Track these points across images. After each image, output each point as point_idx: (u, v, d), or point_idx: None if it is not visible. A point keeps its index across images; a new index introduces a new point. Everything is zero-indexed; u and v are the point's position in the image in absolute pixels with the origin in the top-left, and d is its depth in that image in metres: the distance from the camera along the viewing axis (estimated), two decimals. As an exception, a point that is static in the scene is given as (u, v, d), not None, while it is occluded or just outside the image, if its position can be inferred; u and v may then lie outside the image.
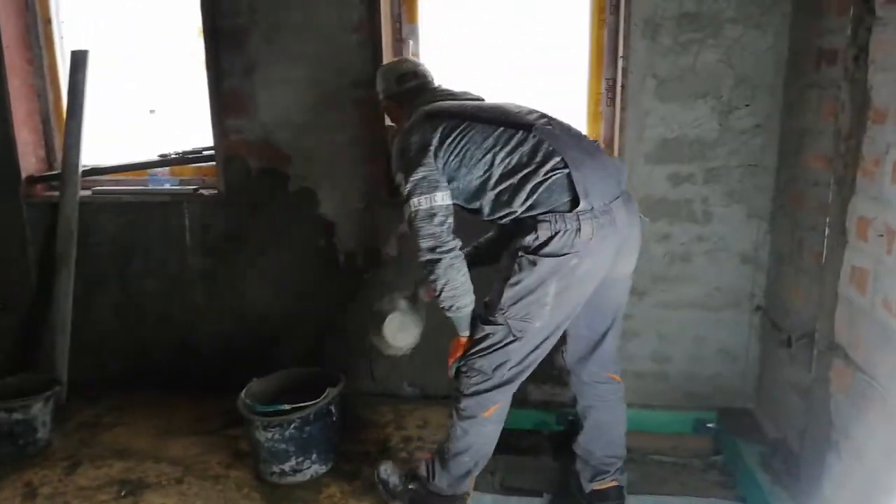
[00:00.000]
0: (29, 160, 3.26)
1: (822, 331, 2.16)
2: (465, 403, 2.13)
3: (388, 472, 2.37)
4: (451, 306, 2.08)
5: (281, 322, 3.21)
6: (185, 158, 3.23)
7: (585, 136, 2.16)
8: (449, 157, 2.05)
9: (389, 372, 3.18)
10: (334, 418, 2.58)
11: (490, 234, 2.41)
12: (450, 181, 2.07)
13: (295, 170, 3.04)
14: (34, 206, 3.25)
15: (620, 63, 2.77)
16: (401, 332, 2.33)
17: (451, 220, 2.06)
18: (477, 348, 2.10)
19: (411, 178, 2.04)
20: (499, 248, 2.23)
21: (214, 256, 3.20)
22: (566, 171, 1.96)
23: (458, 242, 2.07)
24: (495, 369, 2.08)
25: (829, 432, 2.09)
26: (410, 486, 2.30)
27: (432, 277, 2.05)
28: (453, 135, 2.05)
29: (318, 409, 2.48)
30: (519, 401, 2.99)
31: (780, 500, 2.31)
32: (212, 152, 3.12)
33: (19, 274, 3.31)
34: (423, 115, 2.13)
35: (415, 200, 2.03)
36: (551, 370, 3.00)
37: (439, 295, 2.08)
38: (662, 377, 2.98)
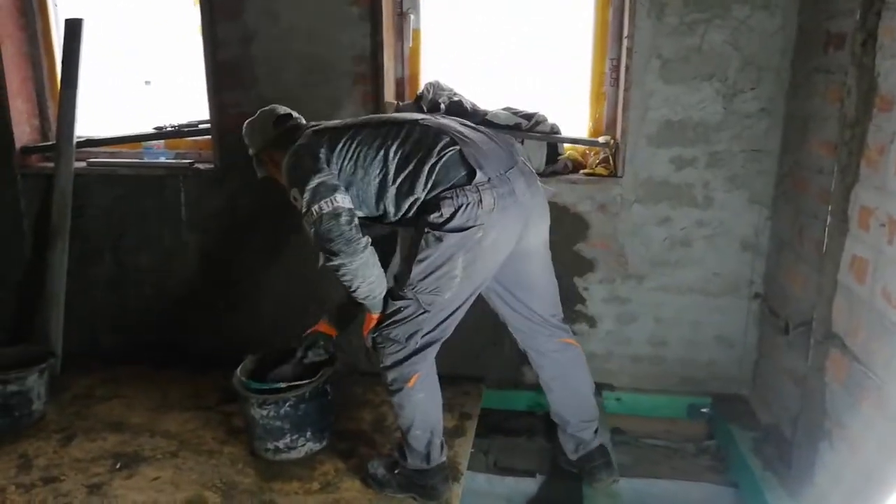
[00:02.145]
0: (23, 130, 3.22)
1: (820, 319, 2.15)
2: (389, 377, 2.17)
3: (375, 466, 2.39)
4: (367, 296, 2.12)
5: (276, 299, 3.19)
6: (180, 131, 3.19)
7: (468, 122, 2.23)
8: (343, 162, 2.08)
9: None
10: (329, 397, 2.58)
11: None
12: (348, 188, 2.08)
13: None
14: (28, 178, 3.22)
15: (625, 43, 2.72)
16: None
17: (356, 221, 2.05)
18: (389, 321, 2.12)
19: (308, 188, 2.03)
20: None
21: (210, 231, 3.18)
22: (457, 147, 2.01)
23: (368, 239, 2.08)
24: (408, 338, 2.11)
25: (823, 421, 2.09)
26: (396, 472, 2.32)
27: (347, 279, 2.07)
28: (342, 140, 2.10)
29: (313, 388, 2.47)
30: (513, 382, 3.04)
31: (771, 486, 2.32)
32: (208, 126, 3.08)
33: (13, 245, 3.30)
34: (309, 133, 2.18)
35: (316, 207, 2.02)
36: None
37: (356, 291, 2.10)
38: (659, 361, 2.98)
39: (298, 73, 2.91)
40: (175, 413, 2.87)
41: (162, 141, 3.24)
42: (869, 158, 1.91)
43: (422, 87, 2.92)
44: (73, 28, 3.05)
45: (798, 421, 2.30)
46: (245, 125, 2.41)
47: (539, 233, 2.22)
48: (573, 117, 2.98)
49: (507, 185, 2.02)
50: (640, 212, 2.82)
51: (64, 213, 3.12)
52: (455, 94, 2.85)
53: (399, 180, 2.05)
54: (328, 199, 2.02)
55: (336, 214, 2.02)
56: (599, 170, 2.87)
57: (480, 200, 1.96)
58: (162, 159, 3.21)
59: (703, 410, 2.92)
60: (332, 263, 2.05)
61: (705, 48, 2.62)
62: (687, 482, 2.61)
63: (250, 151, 2.40)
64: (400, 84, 3.01)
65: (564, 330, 2.41)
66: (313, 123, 2.31)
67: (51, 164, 3.16)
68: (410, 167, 2.03)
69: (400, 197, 2.06)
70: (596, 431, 2.45)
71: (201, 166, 3.12)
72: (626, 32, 2.71)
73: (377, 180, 2.07)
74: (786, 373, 2.54)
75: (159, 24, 3.19)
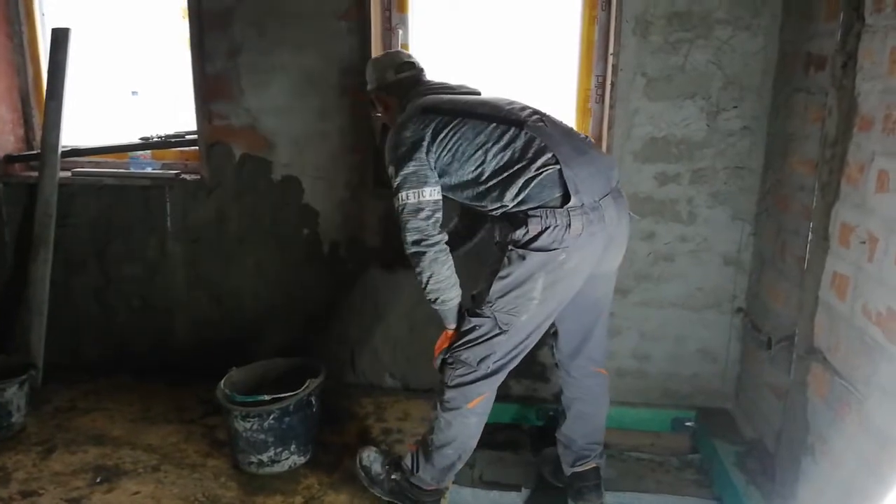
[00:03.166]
0: (7, 139, 3.19)
1: (802, 335, 2.18)
2: (449, 395, 2.14)
3: (370, 458, 2.37)
4: (436, 299, 2.11)
5: (262, 311, 3.18)
6: (167, 142, 3.18)
7: (577, 133, 2.18)
8: (441, 152, 2.06)
9: (371, 363, 3.17)
10: (314, 409, 2.57)
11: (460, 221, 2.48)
12: (442, 175, 2.09)
13: (280, 157, 3.01)
14: (12, 186, 3.19)
15: (610, 60, 2.76)
16: None
17: (438, 214, 2.07)
18: (463, 340, 2.11)
19: (401, 172, 2.05)
20: (474, 227, 2.35)
21: (196, 243, 3.17)
22: (557, 167, 1.97)
23: (444, 237, 2.09)
24: (480, 361, 2.10)
25: (805, 435, 2.11)
26: (393, 477, 2.30)
27: (418, 270, 2.08)
28: (445, 130, 2.06)
29: (297, 400, 2.46)
30: (500, 395, 3.00)
31: (754, 501, 2.34)
32: (195, 136, 3.07)
33: (-5, 255, 3.26)
34: (419, 109, 2.13)
35: (403, 194, 2.06)
36: (533, 366, 3.03)
37: (425, 287, 2.09)
38: (642, 375, 3.00)
39: (286, 85, 2.91)
40: (157, 426, 2.84)
41: (148, 151, 3.23)
42: (849, 176, 1.94)
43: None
44: (60, 37, 3.04)
45: (781, 435, 2.33)
46: (370, 61, 2.41)
47: (615, 258, 2.20)
48: (559, 133, 3.00)
49: (599, 212, 2.00)
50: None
51: (47, 223, 3.09)
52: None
53: (491, 184, 2.03)
54: (416, 191, 2.04)
55: (418, 209, 2.04)
56: (585, 185, 2.89)
57: (569, 224, 1.95)
58: (148, 170, 3.19)
59: (688, 424, 2.93)
60: (408, 251, 2.08)
61: (689, 67, 2.66)
62: (671, 496, 2.61)
63: (368, 88, 2.39)
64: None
65: (604, 358, 2.42)
66: (430, 85, 2.27)
67: (35, 174, 3.13)
68: (506, 175, 2.00)
69: (488, 199, 2.05)
70: (598, 454, 2.46)
71: (188, 177, 3.11)
72: (611, 50, 2.75)
73: (470, 176, 2.05)
74: (768, 387, 2.57)
75: (147, 35, 3.18)
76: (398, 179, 2.06)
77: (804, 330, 2.16)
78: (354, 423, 2.86)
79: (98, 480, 2.46)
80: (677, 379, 2.97)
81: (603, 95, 2.86)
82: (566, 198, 1.96)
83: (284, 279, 3.13)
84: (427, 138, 2.06)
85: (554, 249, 1.96)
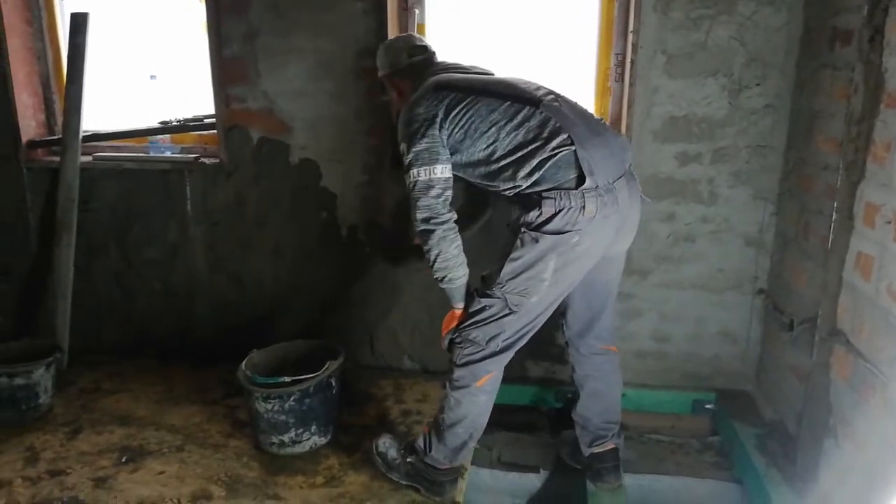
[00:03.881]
0: (29, 124, 3.22)
1: (825, 316, 2.15)
2: (458, 374, 2.16)
3: (386, 444, 2.39)
4: (443, 277, 2.11)
5: (282, 294, 3.20)
6: (186, 126, 3.19)
7: (591, 114, 2.16)
8: (454, 129, 2.06)
9: (389, 346, 3.18)
10: (334, 391, 2.59)
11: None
12: (453, 153, 2.08)
13: (297, 140, 3.01)
14: (34, 171, 3.23)
15: (630, 38, 2.71)
16: None
17: (449, 192, 2.08)
18: (472, 320, 2.12)
19: (413, 149, 2.06)
20: (479, 209, 2.34)
21: (216, 226, 3.19)
22: (572, 148, 1.96)
23: (452, 215, 2.09)
24: (489, 340, 2.11)
25: (828, 418, 2.09)
26: (409, 460, 2.32)
27: (426, 247, 2.09)
28: (459, 107, 2.06)
29: (318, 382, 2.48)
30: (518, 377, 3.04)
31: (775, 483, 2.32)
32: (213, 120, 3.08)
33: (19, 239, 3.31)
34: (432, 86, 2.13)
35: (414, 171, 2.06)
36: (551, 348, 3.02)
37: (433, 265, 2.10)
38: (662, 357, 2.98)
39: (303, 67, 2.91)
40: (180, 407, 2.89)
41: (168, 135, 3.24)
42: (875, 155, 1.90)
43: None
44: (79, 22, 3.05)
45: (802, 418, 2.30)
46: (381, 45, 2.40)
47: (627, 240, 2.20)
48: (578, 112, 2.97)
49: (613, 194, 1.98)
50: (644, 207, 2.79)
51: (70, 207, 3.13)
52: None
53: (504, 163, 2.02)
54: (427, 168, 2.04)
55: (429, 186, 2.04)
56: (604, 165, 2.86)
57: (584, 206, 1.94)
58: (167, 154, 3.21)
59: (708, 406, 2.92)
60: (417, 228, 2.09)
61: (710, 44, 2.61)
62: (691, 478, 2.61)
63: (379, 73, 2.40)
64: (404, 79, 3.00)
65: (613, 336, 2.42)
66: (443, 65, 2.28)
67: (57, 158, 3.16)
68: (520, 154, 1.99)
69: (501, 179, 2.04)
70: (615, 434, 2.46)
71: (207, 161, 3.13)
72: (631, 27, 2.70)
73: (483, 154, 2.05)
74: (790, 369, 2.54)
75: (165, 19, 3.19)
76: (410, 156, 2.06)
77: (827, 311, 2.13)
78: (374, 405, 2.88)
79: (123, 460, 2.51)
80: (697, 361, 2.95)
81: (622, 74, 2.81)
82: (581, 179, 1.94)
83: (303, 262, 3.15)
84: (440, 115, 2.05)
85: (567, 232, 1.95)
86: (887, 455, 1.77)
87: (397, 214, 3.01)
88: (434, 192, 2.05)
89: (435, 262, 2.09)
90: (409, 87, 2.25)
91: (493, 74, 2.28)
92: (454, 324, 2.18)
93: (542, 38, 2.93)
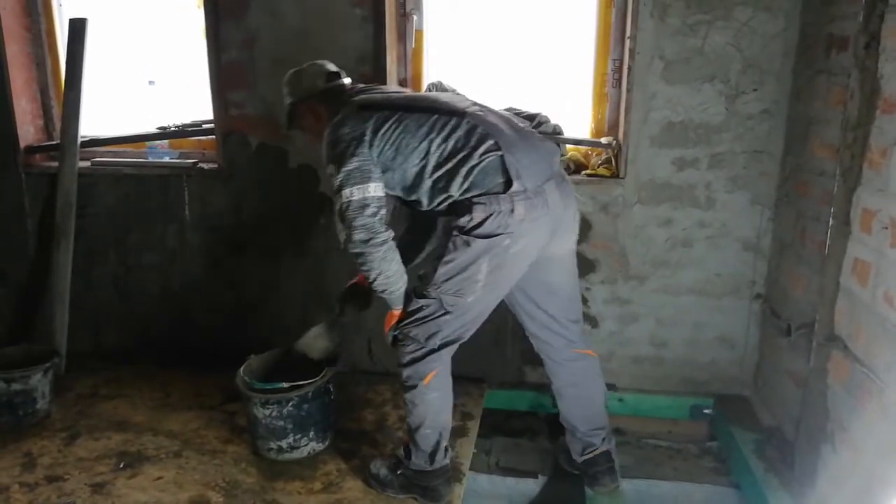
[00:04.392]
0: (27, 130, 3.23)
1: (822, 321, 2.16)
2: (405, 374, 2.19)
3: (377, 466, 2.40)
4: (384, 291, 2.13)
5: (280, 299, 3.20)
6: (184, 131, 3.20)
7: (518, 120, 2.20)
8: (384, 146, 2.06)
9: (388, 351, 3.18)
10: (332, 396, 2.59)
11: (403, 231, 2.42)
12: (385, 171, 2.08)
13: (295, 146, 3.01)
14: (33, 177, 3.23)
15: (628, 44, 2.72)
16: (316, 343, 2.54)
17: (383, 211, 2.07)
18: (411, 319, 2.14)
19: (344, 169, 2.03)
20: (422, 240, 2.34)
21: (214, 231, 3.19)
22: (499, 153, 2.00)
23: (390, 233, 2.08)
24: (428, 338, 2.13)
25: (825, 423, 2.09)
26: (398, 472, 2.33)
27: (365, 269, 2.08)
28: (387, 124, 2.06)
29: (316, 388, 2.48)
30: (516, 382, 3.04)
31: (773, 488, 2.32)
32: (212, 126, 3.09)
33: (17, 244, 3.31)
34: (355, 106, 2.13)
35: (347, 191, 2.03)
36: (549, 352, 3.01)
37: (373, 283, 2.11)
38: (660, 362, 2.98)
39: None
40: (178, 412, 2.88)
41: (166, 141, 3.25)
42: (871, 161, 1.91)
43: (424, 87, 2.93)
44: (78, 28, 3.06)
45: (800, 423, 2.31)
46: (290, 73, 2.34)
47: (566, 242, 2.22)
48: (575, 118, 2.98)
49: (542, 197, 2.02)
50: (641, 213, 2.82)
51: (68, 213, 3.13)
52: (457, 94, 2.85)
53: (437, 175, 2.04)
54: (360, 187, 2.02)
55: (364, 205, 2.02)
56: (601, 170, 2.87)
57: (512, 210, 1.97)
58: (166, 159, 3.22)
59: (706, 411, 2.92)
60: (353, 250, 2.07)
61: (707, 50, 2.62)
62: (689, 483, 2.61)
63: (287, 100, 2.34)
64: (403, 85, 3.01)
65: (582, 340, 2.41)
66: (360, 88, 2.27)
67: (55, 164, 3.17)
68: (450, 165, 2.02)
69: (434, 191, 2.06)
70: (604, 439, 2.46)
71: (205, 166, 3.13)
72: (628, 33, 2.71)
73: (415, 170, 2.06)
74: (787, 374, 2.54)
75: (163, 25, 3.20)
76: (340, 177, 2.03)
77: (824, 317, 2.14)
78: (371, 410, 2.88)
79: (121, 466, 2.50)
80: (695, 366, 2.96)
81: (620, 79, 2.83)
82: (508, 184, 1.97)
83: (301, 268, 3.15)
84: (368, 133, 2.05)
85: (498, 235, 1.98)
86: (885, 460, 1.77)
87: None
88: (370, 210, 2.02)
89: (376, 280, 2.09)
90: (326, 112, 2.22)
91: (412, 94, 2.31)
92: (394, 322, 2.21)
93: (540, 45, 2.94)
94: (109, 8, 3.23)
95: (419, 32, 2.97)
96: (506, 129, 2.07)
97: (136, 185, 3.19)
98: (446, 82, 2.87)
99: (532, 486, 2.67)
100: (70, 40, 3.07)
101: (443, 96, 2.20)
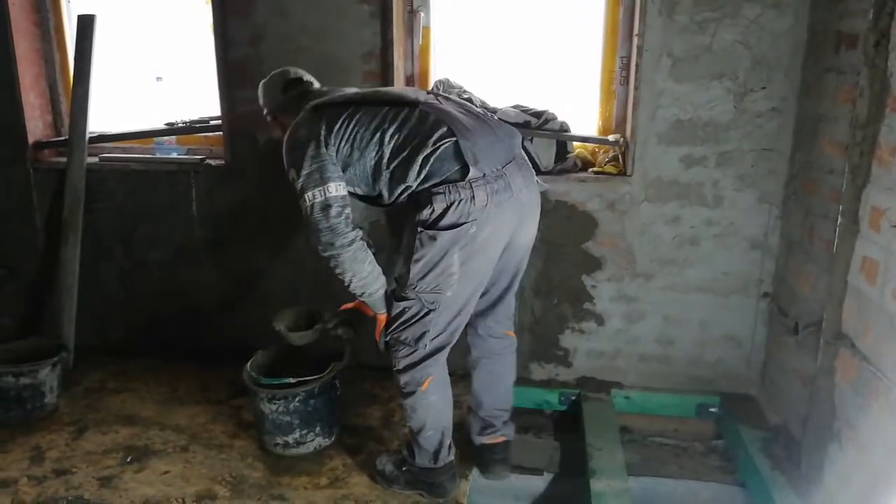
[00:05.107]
0: (36, 125, 3.24)
1: (830, 320, 2.15)
2: (402, 380, 2.17)
3: (383, 462, 2.40)
4: (362, 293, 2.12)
5: (286, 295, 3.21)
6: (192, 127, 3.20)
7: (474, 106, 2.19)
8: (340, 143, 2.04)
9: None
10: (338, 392, 2.59)
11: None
12: (345, 169, 2.06)
13: (303, 142, 3.01)
14: (41, 172, 3.25)
15: (635, 41, 2.72)
16: (299, 341, 2.56)
17: (348, 210, 2.04)
18: (398, 322, 2.12)
19: (303, 173, 2.02)
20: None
21: (221, 227, 3.20)
22: (454, 139, 1.97)
23: (358, 233, 2.06)
24: (417, 340, 2.10)
25: (832, 422, 2.09)
26: (404, 468, 2.34)
27: (338, 271, 2.07)
28: (340, 120, 2.05)
29: (322, 383, 2.49)
30: (521, 379, 3.04)
31: (779, 487, 2.32)
32: (219, 122, 3.09)
33: (26, 239, 3.32)
34: (310, 109, 2.13)
35: (308, 195, 2.02)
36: (555, 350, 3.03)
37: (349, 286, 2.10)
38: (666, 360, 2.98)
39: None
40: (185, 407, 2.90)
41: (173, 137, 3.26)
42: (881, 159, 1.90)
43: (431, 84, 2.93)
44: (86, 24, 3.07)
45: (807, 421, 2.30)
46: (260, 85, 2.38)
47: (530, 229, 2.20)
48: (582, 115, 2.98)
49: (503, 181, 1.99)
50: (648, 210, 2.82)
51: (76, 208, 3.15)
52: (465, 91, 2.86)
53: (393, 166, 2.02)
54: (321, 188, 2.00)
55: (326, 206, 2.00)
56: (608, 168, 2.87)
57: (473, 197, 1.94)
58: (173, 155, 3.23)
59: (712, 410, 2.91)
60: (323, 254, 2.06)
61: (716, 47, 2.61)
62: (695, 481, 2.61)
63: (264, 112, 2.38)
64: (409, 81, 3.01)
65: (511, 320, 2.41)
66: (320, 91, 2.28)
67: (63, 159, 3.18)
68: (404, 154, 1.99)
69: (393, 182, 2.04)
70: (505, 423, 2.46)
71: (212, 162, 3.14)
72: (636, 31, 2.70)
73: (372, 163, 2.04)
74: (794, 373, 2.54)
75: (171, 21, 3.21)
76: (301, 181, 2.02)
77: (832, 315, 2.13)
78: (377, 406, 2.88)
79: (129, 460, 2.52)
80: (702, 364, 2.95)
81: (627, 77, 2.82)
82: (466, 169, 1.94)
83: (308, 263, 3.15)
84: (322, 132, 2.04)
85: (463, 224, 1.95)
86: (892, 459, 1.77)
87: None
88: (333, 211, 2.00)
89: (351, 283, 2.08)
90: (290, 121, 2.21)
91: (367, 90, 2.29)
92: (382, 326, 2.19)
93: (547, 41, 2.94)
94: (117, 4, 3.24)
95: (426, 29, 2.97)
96: (460, 116, 2.04)
97: (143, 181, 3.20)
98: (453, 79, 2.89)
99: (538, 482, 2.68)
100: (78, 36, 3.08)
101: (396, 89, 2.19)
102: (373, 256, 2.11)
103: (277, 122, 2.35)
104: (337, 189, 2.02)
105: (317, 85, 2.36)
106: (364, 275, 2.08)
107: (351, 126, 2.04)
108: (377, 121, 2.04)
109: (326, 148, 2.03)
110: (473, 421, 2.47)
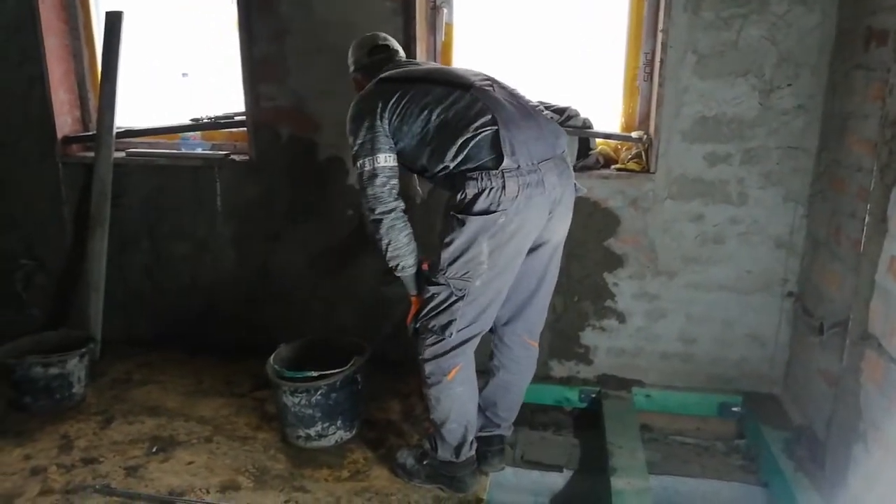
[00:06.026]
0: (65, 120, 3.30)
1: (856, 320, 2.12)
2: (427, 370, 2.19)
3: (404, 455, 2.42)
4: (396, 265, 2.17)
5: (309, 289, 3.24)
6: (217, 123, 3.24)
7: (527, 99, 2.21)
8: (392, 117, 2.11)
9: (415, 341, 3.19)
10: (360, 386, 2.62)
11: None
12: (397, 142, 2.13)
13: (325, 138, 3.04)
14: (69, 166, 3.31)
15: (660, 37, 2.70)
16: None
17: (394, 181, 2.13)
18: (427, 309, 2.16)
19: (357, 141, 2.13)
20: None
21: (244, 221, 3.24)
22: (495, 128, 2.00)
23: (399, 204, 2.14)
24: (445, 328, 2.13)
25: (857, 423, 2.06)
26: (425, 462, 2.35)
27: (377, 237, 2.15)
28: (395, 96, 2.12)
29: (344, 377, 2.51)
30: (541, 376, 3.04)
31: (802, 488, 2.30)
32: (243, 118, 3.13)
33: (54, 233, 3.39)
34: (377, 81, 2.21)
35: (360, 162, 2.13)
36: (576, 347, 3.03)
37: (385, 254, 2.16)
38: (689, 358, 2.96)
39: (331, 66, 2.93)
40: (209, 399, 2.94)
41: (199, 132, 3.30)
42: (910, 157, 1.87)
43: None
44: (114, 21, 3.12)
45: (831, 422, 2.28)
46: (352, 44, 2.45)
47: (560, 229, 2.21)
48: (606, 112, 2.96)
49: (537, 175, 2.01)
50: (672, 208, 2.80)
51: (103, 202, 3.20)
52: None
53: (434, 144, 2.07)
54: (370, 158, 2.10)
55: (373, 175, 2.10)
56: (631, 165, 2.86)
57: (504, 186, 1.97)
58: (198, 150, 3.27)
59: (734, 409, 2.89)
60: (368, 218, 2.15)
61: (742, 43, 2.58)
62: (716, 481, 2.59)
63: (350, 69, 2.45)
64: (433, 78, 3.02)
65: (539, 331, 2.40)
66: (398, 62, 2.34)
67: (91, 154, 3.23)
68: (445, 134, 2.05)
69: (433, 159, 2.09)
70: (508, 427, 2.47)
71: (237, 157, 3.17)
72: (661, 26, 2.68)
73: (418, 138, 2.10)
74: (819, 373, 2.51)
75: (197, 18, 3.24)
76: (356, 148, 2.13)
77: (859, 315, 2.10)
78: (398, 400, 2.90)
79: (154, 450, 2.56)
80: (724, 363, 2.93)
81: (651, 73, 2.80)
82: (501, 159, 1.97)
83: (330, 258, 3.18)
84: (379, 105, 2.11)
85: (492, 213, 1.98)
86: (919, 461, 1.74)
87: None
88: (379, 180, 2.10)
89: (387, 251, 2.14)
90: (367, 84, 2.29)
91: (433, 67, 2.35)
92: (414, 311, 2.23)
93: (571, 37, 2.92)
94: (145, 1, 3.28)
95: (449, 25, 2.97)
96: (508, 106, 2.08)
97: (169, 175, 3.24)
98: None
99: (557, 479, 2.68)
100: (106, 33, 3.13)
101: (460, 70, 2.23)
102: (411, 231, 2.16)
103: (355, 81, 2.42)
104: (386, 160, 2.11)
105: (402, 54, 2.43)
106: (399, 245, 2.13)
107: (403, 102, 2.11)
108: (427, 98, 2.10)
109: (381, 121, 2.12)
110: (478, 417, 2.46)
